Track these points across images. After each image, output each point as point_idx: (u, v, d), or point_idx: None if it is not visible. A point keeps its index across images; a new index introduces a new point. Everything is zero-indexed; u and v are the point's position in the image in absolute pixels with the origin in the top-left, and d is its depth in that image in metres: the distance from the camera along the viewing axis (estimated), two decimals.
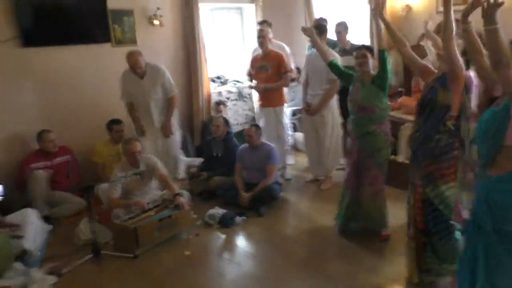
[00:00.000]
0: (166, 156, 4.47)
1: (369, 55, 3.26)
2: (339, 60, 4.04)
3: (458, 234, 2.64)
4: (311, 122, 4.57)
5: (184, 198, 3.84)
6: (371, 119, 3.27)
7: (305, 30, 3.77)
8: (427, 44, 3.18)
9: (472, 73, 2.69)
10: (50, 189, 4.13)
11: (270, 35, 4.82)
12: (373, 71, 3.30)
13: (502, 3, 1.79)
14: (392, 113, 4.37)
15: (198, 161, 4.94)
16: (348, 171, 3.47)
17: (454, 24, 2.31)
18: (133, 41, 4.98)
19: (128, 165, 3.84)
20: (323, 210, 4.00)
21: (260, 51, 4.75)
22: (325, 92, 4.35)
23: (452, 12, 2.30)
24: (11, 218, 3.51)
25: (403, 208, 2.90)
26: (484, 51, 2.09)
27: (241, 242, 3.67)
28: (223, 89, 5.90)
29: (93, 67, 4.72)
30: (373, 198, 3.34)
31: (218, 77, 6.11)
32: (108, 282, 3.11)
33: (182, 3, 5.38)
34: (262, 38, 4.63)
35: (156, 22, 5.13)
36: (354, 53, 3.34)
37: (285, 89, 4.89)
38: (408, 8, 5.28)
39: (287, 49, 5.08)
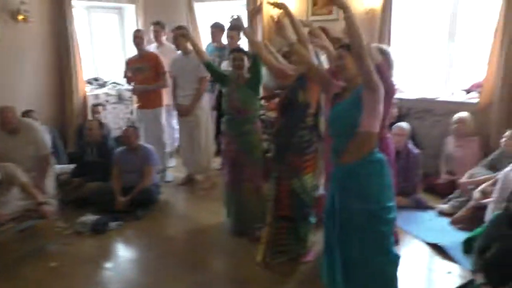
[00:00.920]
0: None
1: (245, 58, 3.38)
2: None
3: (312, 219, 3.02)
4: (184, 123, 4.54)
5: (51, 207, 3.56)
6: (247, 119, 3.40)
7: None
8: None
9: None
10: None
11: (164, 37, 5.04)
12: (247, 74, 3.41)
13: None
14: (269, 114, 4.64)
15: (70, 168, 4.59)
16: (227, 171, 3.54)
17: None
18: None
19: None
20: (203, 210, 4.02)
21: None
22: (196, 92, 4.37)
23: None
24: None
25: None
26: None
27: (118, 247, 3.52)
28: (101, 91, 5.62)
29: None
30: (253, 194, 3.43)
31: (96, 79, 5.81)
32: None
33: None
34: (138, 38, 4.54)
35: (20, 17, 4.68)
36: (231, 56, 3.43)
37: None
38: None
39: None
